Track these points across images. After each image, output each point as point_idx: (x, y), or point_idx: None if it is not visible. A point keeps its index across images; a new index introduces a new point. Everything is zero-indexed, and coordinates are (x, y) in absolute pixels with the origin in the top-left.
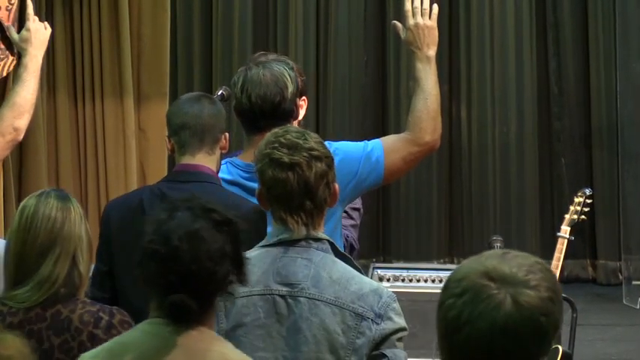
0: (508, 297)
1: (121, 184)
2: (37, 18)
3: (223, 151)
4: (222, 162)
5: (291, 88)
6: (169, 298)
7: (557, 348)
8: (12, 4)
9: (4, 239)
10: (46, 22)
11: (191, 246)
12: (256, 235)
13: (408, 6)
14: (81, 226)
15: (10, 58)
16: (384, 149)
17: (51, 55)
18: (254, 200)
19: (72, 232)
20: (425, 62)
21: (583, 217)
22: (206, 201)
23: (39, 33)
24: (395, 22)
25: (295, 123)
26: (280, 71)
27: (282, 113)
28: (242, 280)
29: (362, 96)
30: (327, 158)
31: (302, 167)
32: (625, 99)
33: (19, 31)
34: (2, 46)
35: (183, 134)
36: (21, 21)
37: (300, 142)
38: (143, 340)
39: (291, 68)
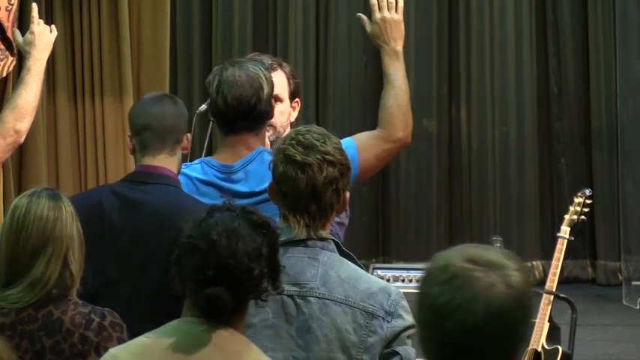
0: (499, 279)
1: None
2: (41, 21)
3: (185, 152)
4: (197, 161)
5: (266, 89)
6: (206, 290)
7: (557, 348)
8: (12, 5)
9: None
10: (53, 26)
11: (229, 241)
12: None
13: (373, 0)
14: (72, 226)
15: (10, 58)
16: (357, 148)
17: (51, 56)
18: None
19: (64, 233)
20: (393, 57)
21: (583, 217)
22: (246, 205)
23: (43, 36)
24: (360, 14)
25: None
26: (256, 72)
27: (257, 114)
28: (276, 286)
29: (362, 96)
30: (342, 166)
31: (313, 169)
32: (625, 99)
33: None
34: (2, 47)
35: (145, 135)
36: (21, 21)
37: (318, 144)
38: (175, 336)
39: (267, 69)
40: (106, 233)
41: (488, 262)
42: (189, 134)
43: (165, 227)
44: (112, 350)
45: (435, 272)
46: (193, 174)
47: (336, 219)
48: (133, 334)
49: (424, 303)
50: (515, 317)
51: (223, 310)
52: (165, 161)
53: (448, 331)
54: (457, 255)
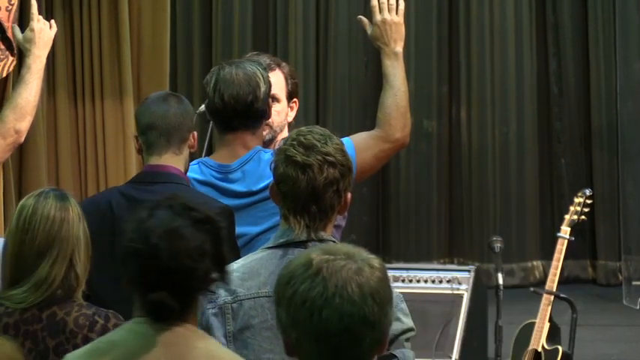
0: (361, 263)
1: (121, 184)
2: (41, 18)
3: (192, 150)
4: (194, 162)
5: (263, 88)
6: (150, 296)
7: (558, 348)
8: (12, 5)
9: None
10: (52, 21)
11: (170, 244)
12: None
13: (374, 2)
14: (79, 227)
15: (10, 58)
16: (355, 148)
17: (51, 56)
18: (226, 201)
19: (70, 234)
20: (393, 58)
21: (583, 217)
22: (188, 199)
23: (43, 33)
24: (361, 17)
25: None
26: (253, 71)
27: (254, 113)
28: (224, 278)
29: (362, 96)
30: (343, 167)
31: (313, 170)
32: (625, 99)
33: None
34: (2, 47)
35: (150, 134)
36: (21, 21)
37: (319, 144)
38: (127, 338)
39: (264, 68)
40: (117, 236)
41: (345, 252)
42: (195, 132)
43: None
44: (68, 356)
45: (299, 270)
46: (191, 174)
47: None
48: None
49: (293, 303)
50: (384, 297)
51: (170, 313)
52: (172, 160)
53: (326, 320)
54: (314, 252)
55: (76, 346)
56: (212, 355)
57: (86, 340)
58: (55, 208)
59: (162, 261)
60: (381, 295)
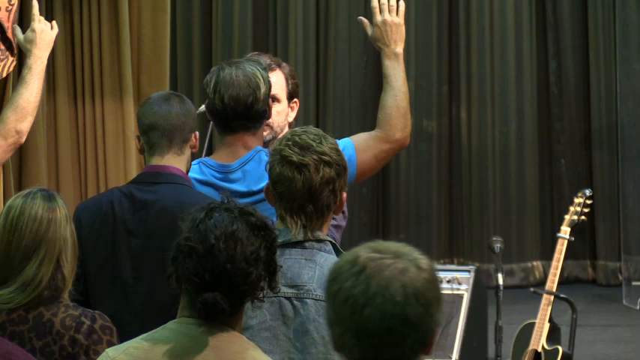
0: (408, 263)
1: (121, 184)
2: (42, 18)
3: (194, 150)
4: (195, 162)
5: (263, 89)
6: (203, 295)
7: (558, 349)
8: (12, 5)
9: None
10: (53, 22)
11: (227, 246)
12: None
13: (374, 3)
14: (66, 228)
15: (10, 58)
16: (355, 148)
17: (51, 56)
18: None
19: (57, 235)
20: (393, 59)
21: (583, 217)
22: (244, 205)
23: (44, 34)
24: (361, 18)
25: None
26: (253, 72)
27: (254, 114)
28: (273, 286)
29: (362, 96)
30: (339, 166)
31: (309, 169)
32: (625, 99)
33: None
34: (2, 47)
35: (152, 135)
36: (21, 21)
37: (314, 144)
38: (173, 338)
39: (264, 69)
40: (119, 236)
41: (394, 250)
42: (197, 132)
43: (177, 226)
44: (110, 352)
45: (345, 267)
46: (191, 174)
47: (333, 221)
48: None
49: (338, 299)
50: (430, 298)
51: (220, 314)
52: (174, 160)
53: (367, 318)
54: (362, 249)
55: (62, 348)
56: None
57: (73, 342)
58: (42, 209)
59: (219, 262)
60: (427, 297)
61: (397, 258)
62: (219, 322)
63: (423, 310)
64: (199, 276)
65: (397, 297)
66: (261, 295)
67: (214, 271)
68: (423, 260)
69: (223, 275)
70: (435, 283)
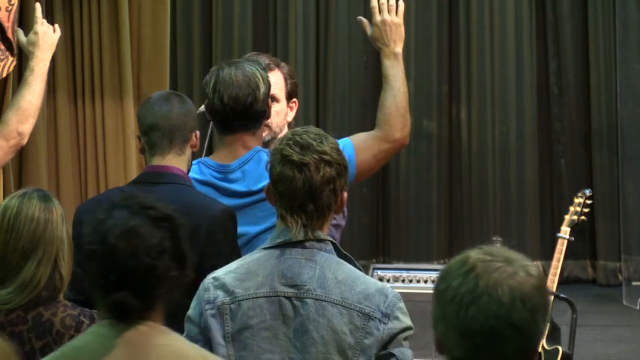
0: (518, 268)
1: (121, 184)
2: (45, 21)
3: (194, 150)
4: (194, 162)
5: (262, 89)
6: (111, 297)
7: (558, 348)
8: (12, 5)
9: None
10: (56, 25)
11: (128, 243)
12: (225, 237)
13: (374, 2)
14: (62, 228)
15: (10, 59)
16: (354, 148)
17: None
18: (226, 201)
19: (54, 235)
20: (392, 59)
21: (583, 217)
22: (145, 198)
23: (47, 36)
24: (360, 18)
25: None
26: (252, 71)
27: (254, 114)
28: (185, 275)
29: (362, 96)
30: (339, 166)
31: (310, 168)
32: (625, 99)
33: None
34: (2, 47)
35: (153, 135)
36: (21, 21)
37: (314, 143)
38: (92, 341)
39: (264, 69)
40: None
41: (505, 255)
42: (197, 132)
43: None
44: None
45: (455, 266)
46: (190, 174)
47: (332, 220)
48: None
49: (444, 297)
50: (536, 305)
51: (132, 312)
52: (175, 160)
53: (471, 317)
54: (475, 251)
55: None
56: (178, 351)
57: None
58: (39, 209)
59: (121, 261)
60: (533, 303)
61: (507, 262)
62: (138, 318)
63: (528, 316)
64: (104, 277)
65: (503, 299)
66: (179, 284)
67: (118, 270)
68: (533, 268)
69: (128, 273)
70: (543, 291)
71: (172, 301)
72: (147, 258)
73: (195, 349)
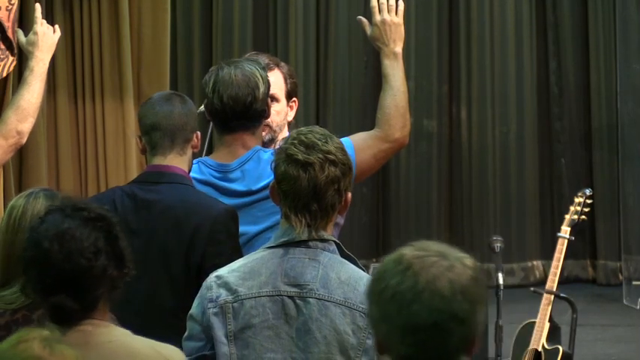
0: (454, 261)
1: (121, 184)
2: (44, 21)
3: (195, 150)
4: (194, 162)
5: (262, 88)
6: (49, 301)
7: (558, 348)
8: (12, 4)
9: None
10: (56, 26)
11: (61, 246)
12: (228, 236)
13: (374, 2)
14: None
15: (10, 58)
16: (354, 148)
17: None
18: (226, 200)
19: None
20: (392, 59)
21: (583, 217)
22: (79, 200)
23: (47, 37)
24: (360, 17)
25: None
26: (251, 71)
27: (253, 113)
28: (126, 273)
29: (362, 96)
30: (344, 165)
31: (314, 168)
32: (625, 99)
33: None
34: (2, 47)
35: (154, 135)
36: (21, 21)
37: (319, 143)
38: None
39: (263, 68)
40: None
41: (438, 250)
42: (199, 132)
43: (179, 225)
44: None
45: (390, 265)
46: (190, 174)
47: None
48: (154, 337)
49: (383, 297)
50: (476, 295)
51: (72, 315)
52: (176, 160)
53: (415, 314)
54: (407, 248)
55: None
56: (126, 345)
57: None
58: (45, 209)
59: (56, 264)
60: (472, 293)
61: (442, 256)
62: (80, 319)
63: (469, 307)
64: (42, 282)
65: (445, 292)
66: (120, 283)
67: (54, 274)
68: (468, 259)
69: (64, 276)
70: (480, 281)
71: (116, 299)
72: (82, 259)
73: (143, 342)
